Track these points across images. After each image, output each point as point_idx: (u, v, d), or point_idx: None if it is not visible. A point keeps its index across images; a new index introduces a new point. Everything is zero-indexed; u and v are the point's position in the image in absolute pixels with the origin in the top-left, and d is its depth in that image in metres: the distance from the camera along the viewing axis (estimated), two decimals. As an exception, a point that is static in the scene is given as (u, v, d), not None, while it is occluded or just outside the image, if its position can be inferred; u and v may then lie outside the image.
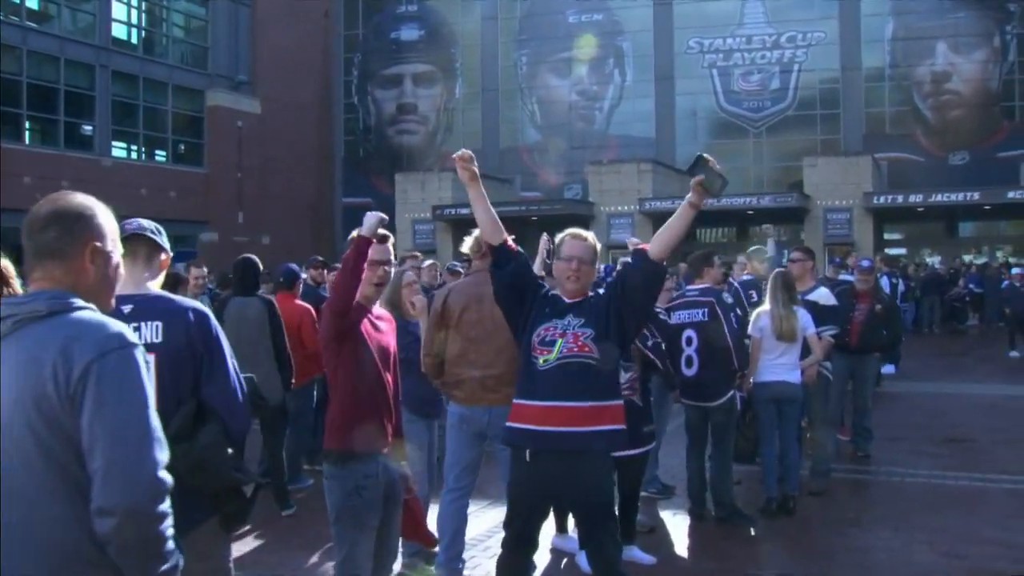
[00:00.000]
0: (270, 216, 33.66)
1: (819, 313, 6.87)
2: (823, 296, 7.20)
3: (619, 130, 34.34)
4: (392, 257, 3.94)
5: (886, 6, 31.79)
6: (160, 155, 32.05)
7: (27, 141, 27.79)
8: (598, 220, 29.22)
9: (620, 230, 28.75)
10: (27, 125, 27.50)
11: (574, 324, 3.65)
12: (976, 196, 26.21)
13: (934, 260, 28.94)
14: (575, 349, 3.57)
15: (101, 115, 29.12)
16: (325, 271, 9.03)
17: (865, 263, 8.69)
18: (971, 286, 23.44)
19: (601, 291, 3.82)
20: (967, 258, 28.71)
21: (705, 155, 3.67)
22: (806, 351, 6.59)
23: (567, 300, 3.76)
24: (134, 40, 31.09)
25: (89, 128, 29.08)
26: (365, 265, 3.57)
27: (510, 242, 3.83)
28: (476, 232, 5.02)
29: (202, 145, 32.87)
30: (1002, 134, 30.69)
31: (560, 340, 3.60)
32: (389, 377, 3.76)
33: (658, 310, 6.15)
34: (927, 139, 31.57)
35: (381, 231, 3.66)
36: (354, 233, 3.59)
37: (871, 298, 8.31)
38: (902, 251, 31.07)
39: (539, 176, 34.93)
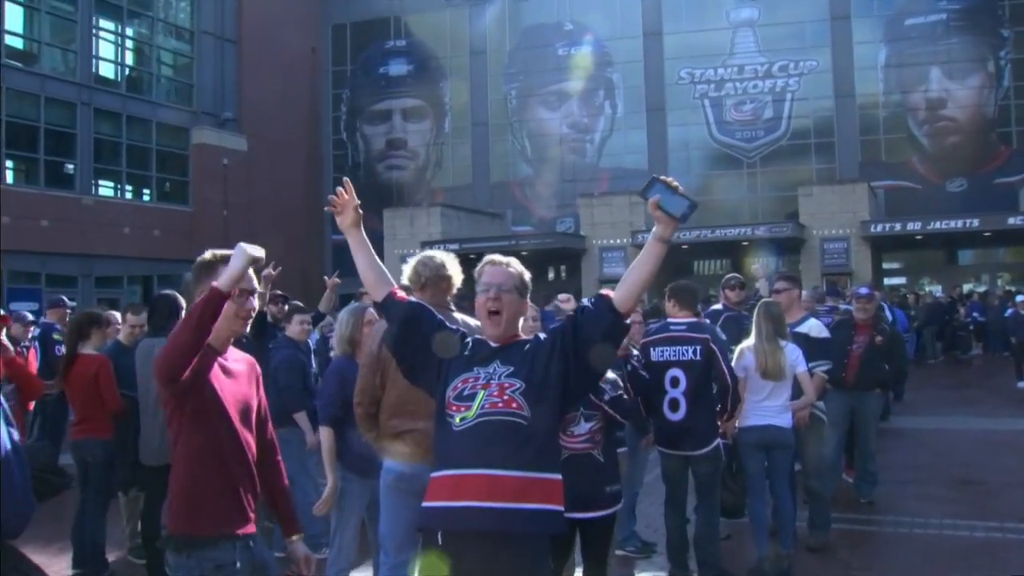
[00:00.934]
0: (257, 254, 32.96)
1: (810, 347, 6.22)
2: (814, 328, 6.53)
3: (611, 162, 33.84)
4: (257, 286, 3.22)
5: (879, 33, 31.45)
6: (144, 193, 31.50)
7: (7, 180, 27.28)
8: (590, 253, 28.67)
9: (612, 264, 28.21)
10: (7, 164, 26.95)
11: (500, 373, 2.92)
12: (975, 223, 25.64)
13: (935, 289, 28.32)
14: (499, 405, 2.84)
15: (83, 153, 28.58)
16: (285, 307, 8.36)
17: (863, 290, 7.99)
18: (974, 315, 22.81)
19: (543, 335, 3.06)
20: (967, 287, 28.08)
21: (662, 176, 2.94)
22: (798, 391, 5.92)
23: (492, 344, 3.07)
24: (118, 78, 30.64)
25: (71, 166, 28.53)
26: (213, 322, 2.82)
27: (398, 293, 3.15)
28: (414, 260, 4.37)
29: (187, 183, 32.33)
30: (1000, 160, 30.19)
31: (482, 392, 2.88)
32: (250, 437, 3.05)
33: (633, 353, 5.50)
34: (924, 166, 31.07)
35: (244, 284, 2.98)
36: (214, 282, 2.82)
37: (870, 329, 7.66)
38: (902, 280, 30.52)
39: (531, 210, 34.39)
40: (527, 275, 3.18)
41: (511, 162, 35.17)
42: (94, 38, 29.54)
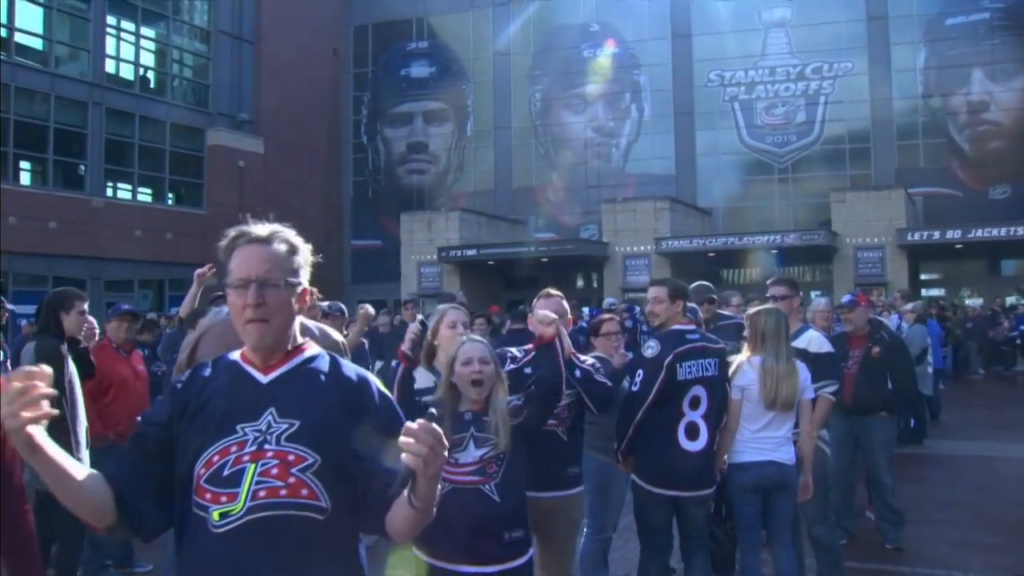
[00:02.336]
0: (273, 259, 32.23)
1: (811, 364, 5.19)
2: (815, 341, 5.50)
3: (637, 168, 32.74)
4: None
5: (917, 33, 30.10)
6: (157, 196, 30.86)
7: (22, 181, 26.74)
8: (612, 261, 27.58)
9: (636, 272, 27.12)
10: (14, 164, 26.39)
11: (276, 431, 1.95)
12: (1019, 231, 24.18)
13: (974, 302, 26.89)
14: (281, 493, 1.88)
15: (93, 154, 27.98)
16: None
17: (845, 299, 6.93)
18: (1021, 327, 21.49)
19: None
20: (1010, 299, 26.62)
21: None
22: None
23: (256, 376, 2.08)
24: (131, 77, 30.05)
25: (80, 167, 27.94)
26: None
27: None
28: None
29: (201, 185, 31.65)
30: (1045, 166, 28.69)
31: (251, 467, 1.90)
32: None
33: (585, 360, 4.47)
34: (964, 172, 29.64)
35: None
36: None
37: (865, 340, 6.64)
38: (940, 291, 29.10)
39: (554, 216, 33.35)
40: (303, 249, 2.16)
41: (534, 167, 34.16)
42: (107, 37, 28.95)
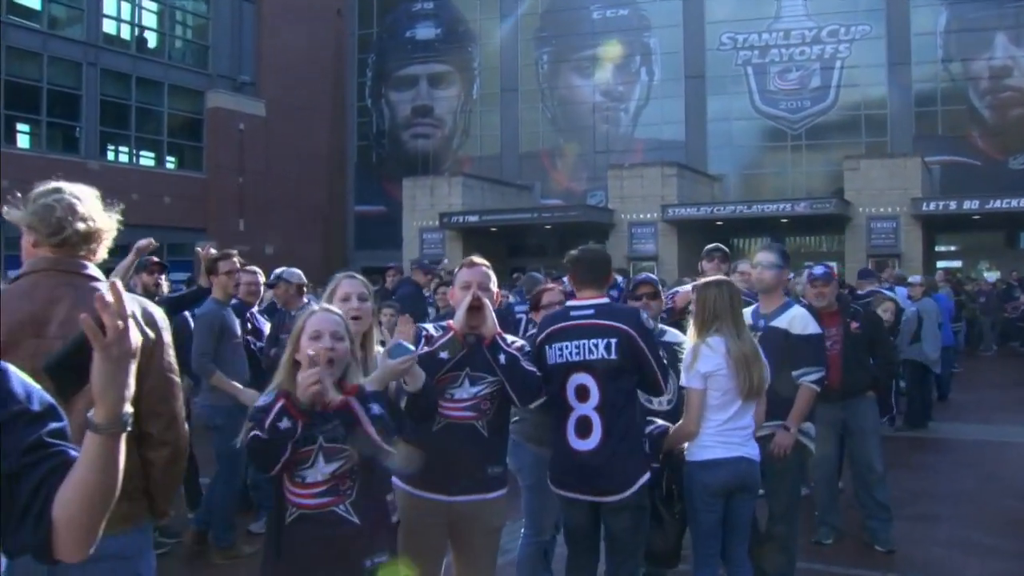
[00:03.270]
0: (274, 224, 31.72)
1: (793, 348, 4.55)
2: (798, 320, 4.81)
3: (646, 133, 31.87)
4: None
5: (938, -5, 29.02)
6: (154, 159, 30.28)
7: (8, 143, 26.19)
8: (618, 228, 26.84)
9: (643, 240, 26.43)
10: (7, 125, 25.83)
11: None
12: (1040, 202, 23.34)
13: (993, 275, 26.01)
14: None
15: (89, 116, 27.39)
16: (161, 276, 6.94)
17: (819, 270, 6.11)
18: (1037, 303, 20.72)
19: None
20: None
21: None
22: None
23: None
24: (128, 37, 29.39)
25: (76, 130, 27.36)
26: None
27: None
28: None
29: (201, 148, 31.04)
30: (1069, 134, 27.68)
31: None
32: None
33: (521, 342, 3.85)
34: (984, 141, 28.63)
35: None
36: None
37: (840, 316, 6.00)
38: (957, 263, 28.25)
39: (561, 182, 32.59)
40: None
41: (541, 131, 33.34)
42: (102, -6, 28.30)
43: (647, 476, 3.83)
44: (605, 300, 4.03)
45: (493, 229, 27.69)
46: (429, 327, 3.78)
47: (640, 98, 32.03)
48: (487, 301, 3.58)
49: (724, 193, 30.04)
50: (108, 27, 28.72)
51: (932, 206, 24.42)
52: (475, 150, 34.11)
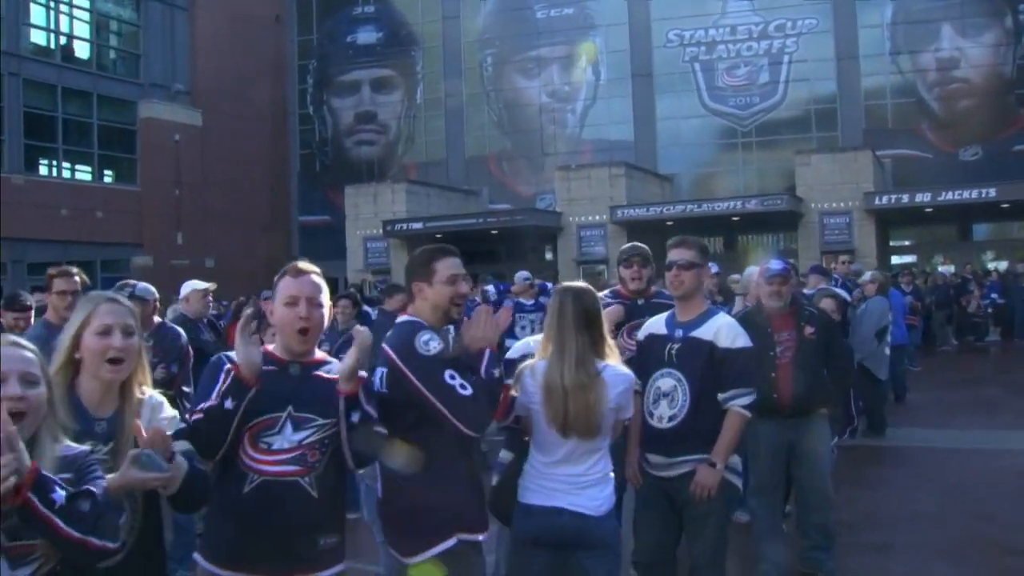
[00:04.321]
0: (214, 237, 30.62)
1: (719, 364, 3.80)
2: (725, 331, 3.99)
3: (594, 134, 31.19)
4: None
5: (884, -13, 28.65)
6: (84, 172, 29.07)
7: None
8: (567, 231, 26.16)
9: (592, 243, 25.79)
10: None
11: None
12: (992, 193, 22.88)
13: (947, 268, 25.62)
14: None
15: (12, 129, 26.17)
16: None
17: (776, 265, 5.29)
18: (993, 296, 20.23)
19: None
20: (991, 265, 25.35)
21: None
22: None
23: None
24: (52, 46, 28.20)
25: (-3, 143, 26.14)
26: None
27: None
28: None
29: (135, 160, 29.87)
30: (1018, 125, 27.30)
31: None
32: None
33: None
34: (934, 133, 28.26)
35: None
36: None
37: (794, 320, 5.19)
38: (911, 258, 27.86)
39: (509, 186, 31.81)
40: None
41: (487, 135, 32.54)
42: (23, 3, 27.04)
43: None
44: (406, 316, 3.32)
45: (438, 236, 26.72)
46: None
47: (587, 98, 31.35)
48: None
49: (675, 193, 29.44)
50: (30, 36, 27.55)
51: (884, 200, 23.99)
52: (421, 156, 33.24)
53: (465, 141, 32.62)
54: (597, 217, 25.61)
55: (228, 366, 2.84)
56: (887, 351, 9.84)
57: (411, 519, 3.13)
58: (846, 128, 28.78)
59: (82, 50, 29.33)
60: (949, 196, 23.36)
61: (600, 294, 5.04)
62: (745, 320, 5.29)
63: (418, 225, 26.22)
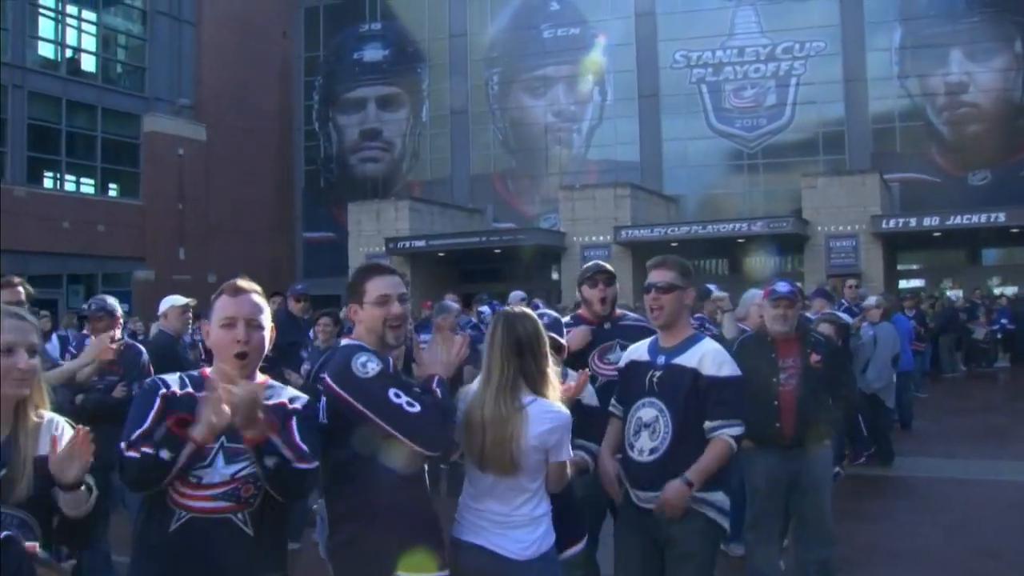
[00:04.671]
0: (217, 252, 30.45)
1: (704, 392, 3.55)
2: (710, 358, 3.71)
3: (600, 154, 31.03)
4: None
5: (892, 11, 28.46)
6: (87, 185, 28.96)
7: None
8: (571, 252, 25.92)
9: (596, 263, 25.41)
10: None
11: None
12: (1001, 218, 22.64)
13: (956, 293, 25.29)
14: None
15: (15, 141, 26.09)
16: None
17: (782, 287, 4.99)
18: (1003, 321, 19.91)
19: None
20: (998, 290, 25.03)
21: None
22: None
23: None
24: (57, 58, 28.16)
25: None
26: None
27: None
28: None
29: (138, 174, 29.76)
30: (1027, 150, 27.12)
31: None
32: None
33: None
34: (943, 157, 28.03)
35: None
36: None
37: (799, 345, 4.93)
38: (919, 282, 27.58)
39: (513, 205, 31.62)
40: None
41: (492, 154, 32.40)
42: (30, 15, 27.02)
43: None
44: (347, 340, 3.14)
45: (441, 254, 26.68)
46: (172, 380, 2.73)
47: (593, 118, 31.21)
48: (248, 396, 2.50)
49: (681, 214, 29.21)
50: (38, 49, 27.52)
51: (892, 223, 23.77)
52: (425, 174, 33.10)
53: (470, 159, 32.47)
54: (601, 237, 25.38)
55: (163, 391, 2.62)
56: (894, 378, 9.60)
57: (353, 556, 2.88)
58: (854, 151, 28.57)
59: (88, 63, 29.28)
60: (957, 220, 23.12)
61: (564, 319, 4.81)
62: (747, 344, 5.06)
63: (421, 243, 26.02)
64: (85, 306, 6.06)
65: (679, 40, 29.91)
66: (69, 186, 28.36)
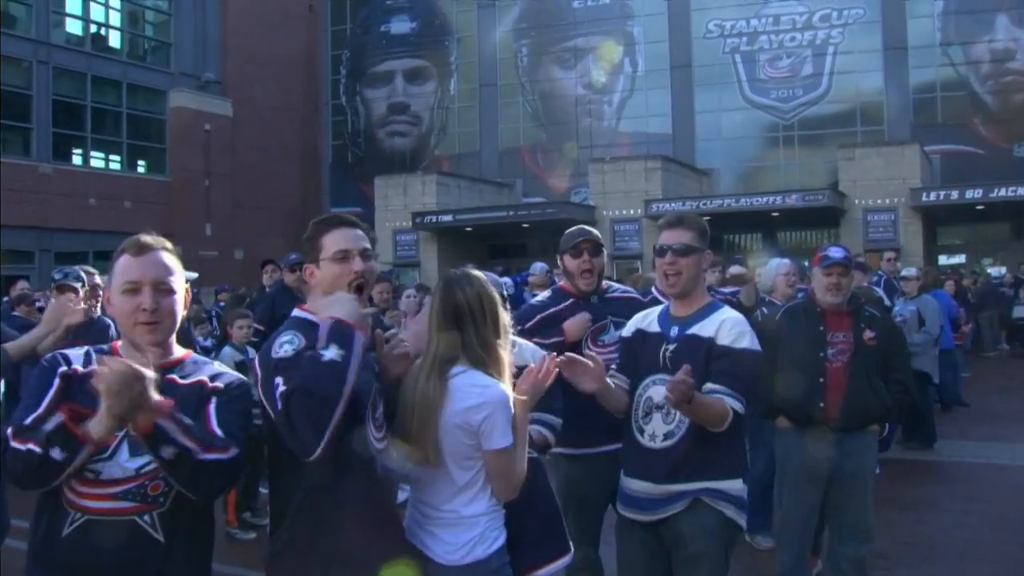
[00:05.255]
0: (244, 228, 30.32)
1: (715, 359, 3.14)
2: (727, 328, 3.20)
3: (631, 126, 30.36)
4: None
5: (935, -25, 27.48)
6: (113, 161, 28.83)
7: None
8: (600, 226, 25.23)
9: (626, 238, 25.00)
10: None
11: None
12: (1048, 190, 21.81)
13: (998, 269, 24.45)
14: None
15: (40, 117, 25.97)
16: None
17: (835, 252, 4.44)
18: (1045, 298, 19.12)
19: None
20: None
21: None
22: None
23: None
24: (81, 33, 27.97)
25: (24, 131, 25.92)
26: None
27: None
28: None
29: (164, 150, 29.59)
30: (1077, 119, 26.11)
31: None
32: None
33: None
34: (988, 128, 27.06)
35: None
36: None
37: (852, 320, 4.41)
38: (960, 258, 26.73)
39: (543, 179, 31.09)
40: None
41: (522, 127, 31.83)
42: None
43: None
44: (298, 311, 2.66)
45: (468, 229, 26.26)
46: (77, 356, 2.31)
47: (624, 90, 30.53)
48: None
49: (714, 187, 28.53)
50: (62, 25, 27.35)
51: (932, 196, 22.96)
52: (453, 148, 32.64)
53: (499, 133, 31.95)
54: (631, 211, 24.83)
55: (63, 369, 2.21)
56: (936, 353, 9.05)
57: (279, 563, 2.46)
58: (893, 122, 27.69)
59: (113, 39, 29.09)
60: (1002, 193, 22.24)
61: (542, 295, 4.34)
62: (795, 312, 4.59)
63: (448, 217, 25.62)
64: (56, 275, 5.66)
65: (712, 9, 29.12)
66: (95, 163, 28.23)
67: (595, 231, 4.24)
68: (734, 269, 6.29)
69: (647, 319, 3.45)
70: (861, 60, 27.99)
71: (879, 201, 23.27)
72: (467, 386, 2.58)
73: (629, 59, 30.39)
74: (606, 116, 30.83)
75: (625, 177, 25.27)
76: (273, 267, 8.46)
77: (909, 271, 9.21)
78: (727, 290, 6.72)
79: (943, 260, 25.89)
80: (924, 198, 22.78)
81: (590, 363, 3.04)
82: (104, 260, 26.32)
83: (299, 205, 33.36)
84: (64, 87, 26.80)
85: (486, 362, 2.63)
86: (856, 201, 23.42)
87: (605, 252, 4.15)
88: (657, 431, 3.22)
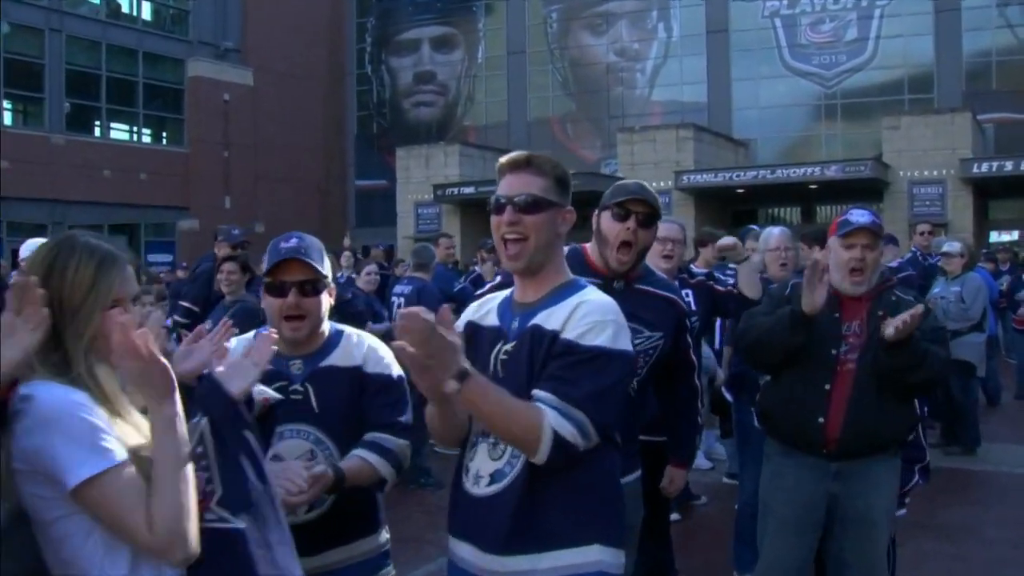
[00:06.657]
0: (265, 201, 29.56)
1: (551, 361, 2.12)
2: (577, 317, 2.13)
3: (665, 95, 29.06)
4: None
5: (990, -70, 25.76)
6: (128, 132, 28.19)
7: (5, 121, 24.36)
8: (630, 199, 24.15)
9: (657, 211, 23.70)
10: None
11: None
12: (1109, 162, 20.25)
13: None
14: None
15: (52, 87, 25.35)
16: None
17: (861, 216, 3.23)
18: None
19: None
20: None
21: None
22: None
23: None
24: (96, 1, 27.29)
25: (37, 101, 25.33)
26: None
27: None
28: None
29: (181, 121, 28.88)
30: None
31: None
32: None
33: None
34: (1046, 95, 25.44)
35: None
36: None
37: (867, 304, 3.27)
38: (1014, 234, 25.16)
39: (573, 150, 29.90)
40: None
41: (551, 96, 30.66)
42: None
43: None
44: None
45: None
46: None
47: (658, 57, 29.20)
48: None
49: (751, 159, 27.19)
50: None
51: (984, 168, 21.41)
52: (481, 118, 31.59)
53: (528, 102, 30.84)
54: (661, 183, 23.47)
55: None
56: (982, 341, 7.83)
57: None
58: (943, 90, 26.11)
59: (128, 5, 28.37)
60: (1060, 164, 20.72)
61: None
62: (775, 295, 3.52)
63: (470, 189, 24.57)
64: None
65: (751, -30, 27.66)
66: (111, 134, 27.61)
67: (653, 192, 3.09)
68: (724, 241, 4.59)
69: (485, 308, 2.39)
70: (910, 23, 26.38)
71: (926, 173, 21.82)
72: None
73: (663, 23, 29.05)
74: (639, 84, 29.56)
75: (655, 147, 24.03)
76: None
77: (952, 246, 7.85)
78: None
79: (994, 236, 24.38)
80: (975, 169, 21.28)
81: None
82: (120, 233, 25.72)
83: (323, 177, 32.59)
84: (77, 56, 26.14)
85: None
86: (901, 173, 21.98)
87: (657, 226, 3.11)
88: (483, 470, 2.19)
